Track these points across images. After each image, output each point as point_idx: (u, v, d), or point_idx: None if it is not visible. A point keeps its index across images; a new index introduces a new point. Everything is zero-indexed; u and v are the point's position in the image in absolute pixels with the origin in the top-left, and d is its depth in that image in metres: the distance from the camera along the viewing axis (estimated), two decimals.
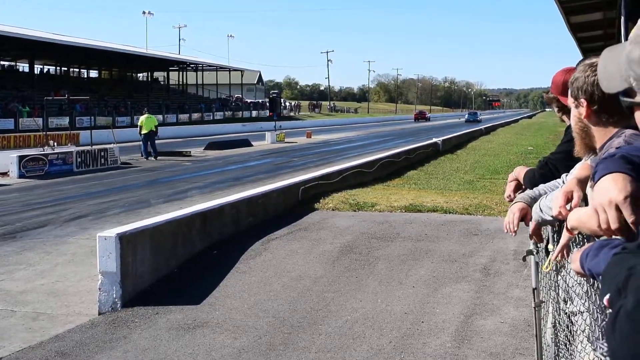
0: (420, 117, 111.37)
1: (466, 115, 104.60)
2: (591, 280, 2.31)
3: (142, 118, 30.47)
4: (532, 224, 3.30)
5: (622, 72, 1.25)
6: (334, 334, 6.69)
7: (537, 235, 2.89)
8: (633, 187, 1.80)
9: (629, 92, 1.25)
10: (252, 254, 9.80)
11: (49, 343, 6.58)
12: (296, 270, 9.02)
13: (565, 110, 3.50)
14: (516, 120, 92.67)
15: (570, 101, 2.68)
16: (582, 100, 2.58)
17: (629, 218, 1.75)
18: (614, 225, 1.77)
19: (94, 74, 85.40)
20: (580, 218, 2.20)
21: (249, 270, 9.05)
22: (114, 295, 7.62)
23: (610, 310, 1.26)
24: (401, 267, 9.05)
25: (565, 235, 2.47)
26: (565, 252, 2.60)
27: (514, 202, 3.47)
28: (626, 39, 1.30)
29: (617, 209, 1.77)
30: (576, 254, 1.84)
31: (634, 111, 1.28)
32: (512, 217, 3.24)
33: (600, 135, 2.62)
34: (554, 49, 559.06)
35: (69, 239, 11.70)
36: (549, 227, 3.24)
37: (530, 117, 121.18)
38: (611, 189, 1.82)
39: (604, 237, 1.84)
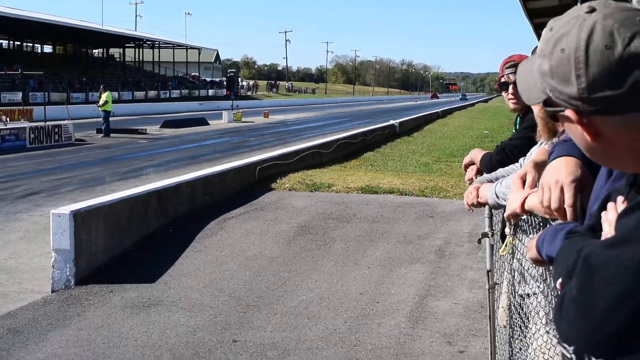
0: (434, 97, 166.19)
1: (460, 96, 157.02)
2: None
3: (107, 94, 29.82)
4: (486, 209, 3.34)
5: (538, 85, 1.31)
6: (289, 313, 6.71)
7: (514, 218, 2.85)
8: (582, 172, 1.85)
9: (549, 101, 1.30)
10: (208, 233, 9.77)
11: (0, 320, 6.49)
12: (252, 249, 9.02)
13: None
14: (472, 104, 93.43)
15: None
16: None
17: (567, 200, 1.79)
18: (554, 204, 1.81)
19: (48, 49, 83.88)
20: (535, 200, 2.24)
21: (204, 249, 9.02)
22: (68, 273, 7.54)
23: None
24: (357, 248, 9.10)
25: (513, 207, 2.46)
26: (513, 220, 2.61)
27: (472, 184, 3.50)
28: None
29: (562, 190, 1.82)
30: (531, 242, 1.86)
31: (557, 118, 1.33)
32: (471, 196, 3.27)
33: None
34: (510, 34, 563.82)
35: (21, 216, 11.52)
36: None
37: (486, 101, 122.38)
38: (561, 170, 1.86)
39: (558, 221, 1.87)
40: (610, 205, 1.36)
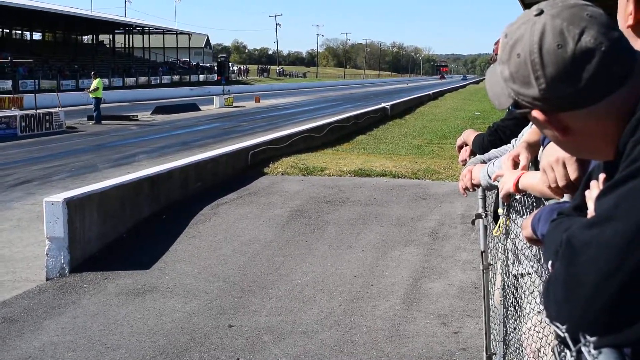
0: (442, 78, 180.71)
1: (461, 77, 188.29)
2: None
3: (98, 81, 29.58)
4: (479, 190, 3.35)
5: (504, 90, 1.35)
6: (284, 297, 6.73)
7: (507, 199, 2.84)
8: None
9: (517, 104, 1.35)
10: (202, 218, 9.77)
11: None
12: (246, 234, 9.02)
13: None
14: (464, 86, 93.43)
15: None
16: None
17: (572, 174, 1.80)
18: (561, 182, 1.82)
19: (37, 36, 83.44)
20: (530, 180, 2.25)
21: (198, 234, 9.03)
22: (62, 261, 7.54)
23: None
24: (351, 231, 9.12)
25: (507, 188, 2.48)
26: (506, 202, 2.62)
27: (465, 166, 3.51)
28: None
29: (564, 166, 1.83)
30: (526, 221, 1.88)
31: (529, 119, 1.38)
32: (466, 179, 3.28)
33: None
34: (500, 15, 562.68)
35: (14, 205, 11.50)
36: (498, 192, 3.29)
37: (477, 82, 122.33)
38: (558, 148, 1.87)
39: (554, 201, 1.88)
40: (592, 183, 1.39)
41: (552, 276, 1.26)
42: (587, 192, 1.40)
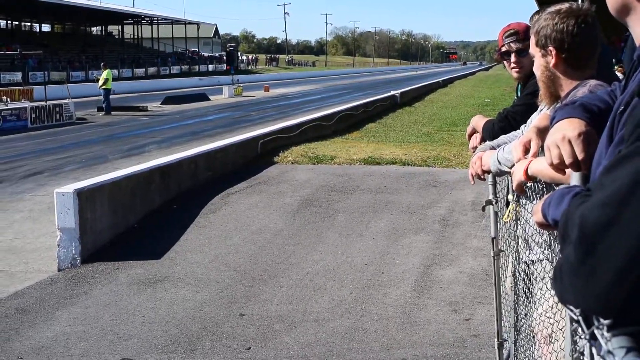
0: (464, 64, 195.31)
1: (476, 63, 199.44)
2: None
3: (107, 72, 29.61)
4: (490, 176, 3.34)
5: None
6: (295, 286, 6.73)
7: (520, 190, 2.77)
8: (587, 128, 1.84)
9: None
10: (212, 208, 9.78)
11: (8, 300, 6.53)
12: (256, 223, 9.03)
13: None
14: (473, 73, 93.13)
15: (535, 50, 2.70)
16: (551, 48, 2.60)
17: (580, 154, 1.79)
18: (568, 159, 1.80)
19: (46, 28, 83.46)
20: (539, 165, 2.23)
21: (209, 224, 9.04)
22: (73, 252, 7.56)
23: None
24: (361, 219, 9.11)
25: (519, 177, 2.47)
26: (519, 192, 2.60)
27: (475, 152, 3.49)
28: None
29: (571, 144, 1.81)
30: (537, 206, 1.86)
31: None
32: (476, 166, 3.26)
33: (567, 83, 2.64)
34: (509, 1, 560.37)
35: (25, 196, 11.54)
36: (509, 178, 3.28)
37: (487, 69, 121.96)
38: (566, 127, 1.86)
39: (565, 185, 1.87)
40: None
41: (565, 260, 1.24)
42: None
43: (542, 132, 2.54)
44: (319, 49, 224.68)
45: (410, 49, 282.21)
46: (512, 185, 2.65)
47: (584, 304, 1.19)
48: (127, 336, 5.63)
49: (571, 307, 1.22)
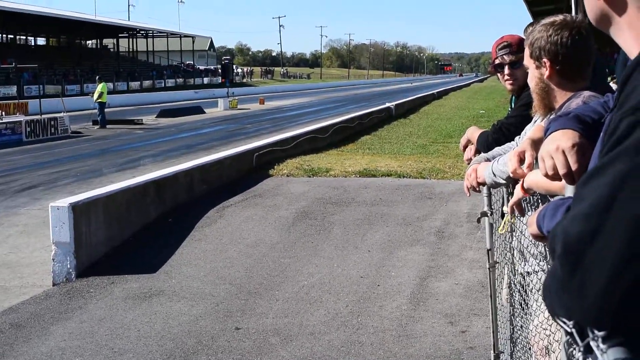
0: (460, 75, 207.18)
1: (472, 75, 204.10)
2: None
3: (102, 85, 29.66)
4: (485, 188, 3.34)
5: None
6: (291, 299, 6.72)
7: (519, 208, 2.73)
8: (581, 139, 1.85)
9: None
10: (207, 221, 9.77)
11: (2, 315, 6.50)
12: (252, 236, 9.02)
13: None
14: (468, 85, 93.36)
15: (529, 62, 2.71)
16: (545, 60, 2.61)
17: (574, 165, 1.79)
18: (561, 170, 1.80)
19: (41, 41, 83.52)
20: (534, 177, 2.24)
21: (204, 237, 9.02)
22: (68, 266, 7.54)
23: None
24: (356, 232, 9.10)
25: (517, 194, 2.49)
26: (518, 211, 2.61)
27: (470, 164, 3.50)
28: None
29: (564, 155, 1.81)
30: (532, 218, 1.86)
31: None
32: (471, 178, 3.27)
33: (561, 95, 2.65)
34: (503, 13, 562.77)
35: (20, 210, 11.52)
36: (504, 189, 3.28)
37: (481, 81, 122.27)
38: (560, 138, 1.86)
39: (559, 197, 1.87)
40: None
41: (553, 274, 1.24)
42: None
43: (537, 144, 2.54)
44: (314, 61, 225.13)
45: (405, 61, 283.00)
46: (509, 202, 2.65)
47: (576, 317, 1.19)
48: (122, 351, 5.61)
49: (564, 320, 1.21)
